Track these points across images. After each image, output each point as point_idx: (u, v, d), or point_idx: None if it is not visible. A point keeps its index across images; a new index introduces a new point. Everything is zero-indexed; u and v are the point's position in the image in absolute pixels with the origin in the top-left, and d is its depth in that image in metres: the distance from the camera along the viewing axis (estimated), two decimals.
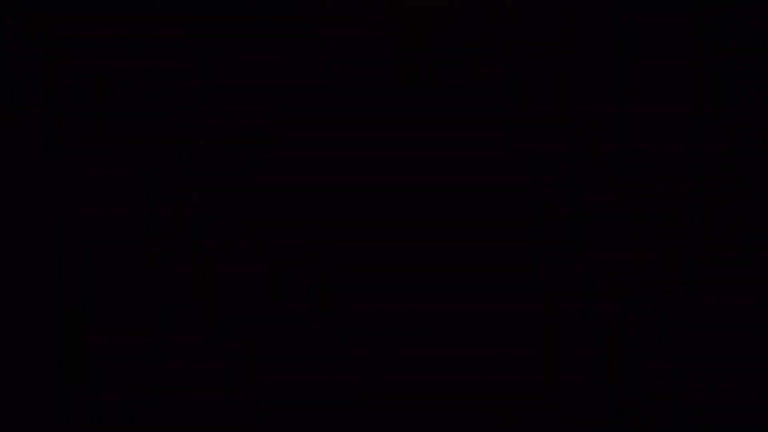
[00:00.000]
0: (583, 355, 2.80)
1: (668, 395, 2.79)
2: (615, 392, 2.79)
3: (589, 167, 2.85)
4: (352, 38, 2.87)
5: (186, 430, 2.79)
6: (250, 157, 2.86)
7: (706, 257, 2.82)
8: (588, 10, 2.86)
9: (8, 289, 2.82)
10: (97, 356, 2.81)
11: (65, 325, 2.82)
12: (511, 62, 2.86)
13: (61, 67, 2.87)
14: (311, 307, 2.83)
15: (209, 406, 2.81)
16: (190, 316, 2.82)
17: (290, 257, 2.84)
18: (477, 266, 2.83)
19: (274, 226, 2.85)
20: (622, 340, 2.81)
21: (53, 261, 2.83)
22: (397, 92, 2.87)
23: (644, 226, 2.83)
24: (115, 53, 2.87)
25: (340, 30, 2.87)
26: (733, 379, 2.79)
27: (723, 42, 2.85)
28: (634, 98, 2.85)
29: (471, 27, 2.87)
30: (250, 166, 2.86)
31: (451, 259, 2.83)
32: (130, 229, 2.84)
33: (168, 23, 2.87)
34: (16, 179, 2.85)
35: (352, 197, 2.85)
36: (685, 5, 2.86)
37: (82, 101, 2.86)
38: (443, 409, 2.80)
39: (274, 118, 2.87)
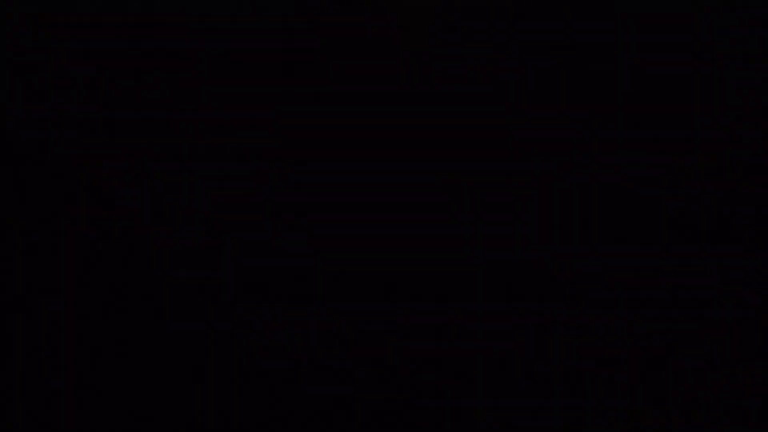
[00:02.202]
0: (583, 355, 2.80)
1: (668, 395, 2.79)
2: (614, 392, 2.80)
3: (589, 167, 2.84)
4: (352, 38, 2.87)
5: (185, 430, 2.79)
6: (249, 157, 2.86)
7: (705, 257, 2.82)
8: (588, 10, 2.85)
9: (8, 289, 2.82)
10: (97, 356, 2.81)
11: (65, 325, 2.82)
12: (511, 62, 2.86)
13: (61, 67, 2.87)
14: (310, 307, 2.83)
15: (207, 406, 2.81)
16: (190, 316, 2.83)
17: (290, 257, 2.84)
18: (476, 266, 2.83)
19: (274, 227, 2.85)
20: (621, 340, 2.81)
21: (53, 261, 2.83)
22: (397, 92, 2.87)
23: (644, 226, 2.83)
24: (115, 53, 2.87)
25: (340, 30, 2.87)
26: (733, 380, 2.79)
27: (723, 42, 2.85)
28: (634, 98, 2.85)
29: (471, 27, 2.87)
30: (250, 166, 2.86)
31: (450, 260, 2.83)
32: (130, 229, 2.84)
33: (168, 23, 2.87)
34: (16, 179, 2.85)
35: (352, 197, 2.85)
36: (685, 5, 2.85)
37: (82, 101, 2.86)
38: (443, 409, 2.81)
39: (274, 118, 2.87)
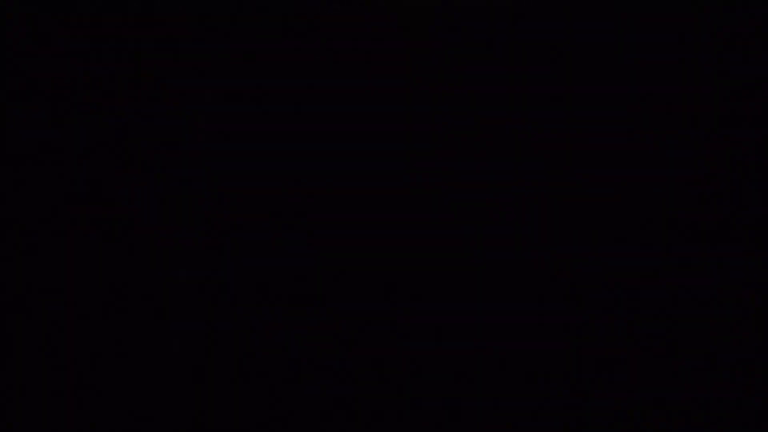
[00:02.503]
0: (583, 355, 2.80)
1: (667, 395, 2.79)
2: (614, 392, 2.80)
3: (589, 167, 2.85)
4: (352, 38, 2.87)
5: (185, 430, 2.80)
6: (249, 157, 2.86)
7: (705, 258, 2.82)
8: (588, 10, 2.85)
9: (8, 289, 2.82)
10: (97, 356, 2.81)
11: (65, 325, 2.82)
12: (512, 62, 2.86)
13: (61, 67, 2.87)
14: (310, 307, 2.83)
15: (206, 406, 2.81)
16: (190, 316, 2.83)
17: (290, 257, 2.84)
18: (476, 266, 2.83)
19: (274, 227, 2.85)
20: (621, 340, 2.81)
21: (53, 261, 2.83)
22: (396, 92, 2.87)
23: (644, 227, 2.83)
24: (115, 53, 2.87)
25: (340, 30, 2.87)
26: (733, 380, 2.79)
27: (723, 42, 2.85)
28: (634, 98, 2.85)
29: (471, 27, 2.87)
30: (250, 166, 2.86)
31: (450, 261, 2.83)
32: (130, 229, 2.84)
33: (168, 23, 2.87)
34: (16, 179, 2.85)
35: (352, 197, 2.85)
36: (685, 5, 2.86)
37: (82, 101, 2.86)
38: (441, 409, 2.81)
39: (274, 117, 2.87)
